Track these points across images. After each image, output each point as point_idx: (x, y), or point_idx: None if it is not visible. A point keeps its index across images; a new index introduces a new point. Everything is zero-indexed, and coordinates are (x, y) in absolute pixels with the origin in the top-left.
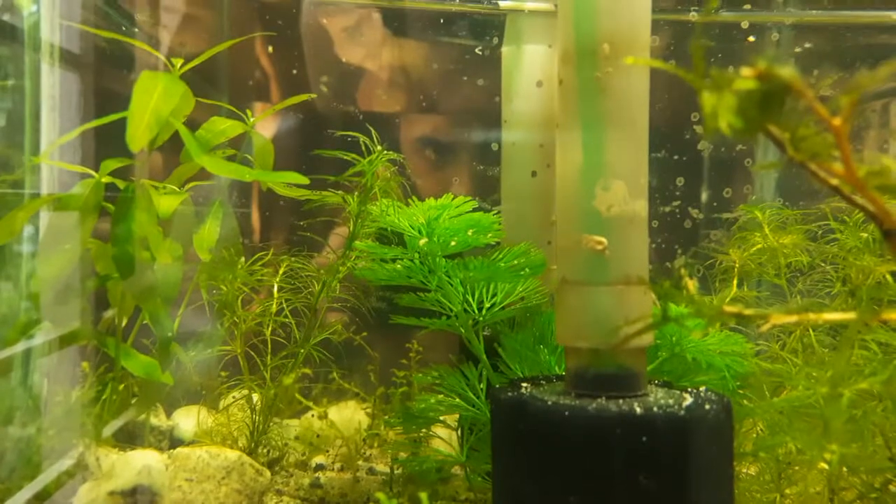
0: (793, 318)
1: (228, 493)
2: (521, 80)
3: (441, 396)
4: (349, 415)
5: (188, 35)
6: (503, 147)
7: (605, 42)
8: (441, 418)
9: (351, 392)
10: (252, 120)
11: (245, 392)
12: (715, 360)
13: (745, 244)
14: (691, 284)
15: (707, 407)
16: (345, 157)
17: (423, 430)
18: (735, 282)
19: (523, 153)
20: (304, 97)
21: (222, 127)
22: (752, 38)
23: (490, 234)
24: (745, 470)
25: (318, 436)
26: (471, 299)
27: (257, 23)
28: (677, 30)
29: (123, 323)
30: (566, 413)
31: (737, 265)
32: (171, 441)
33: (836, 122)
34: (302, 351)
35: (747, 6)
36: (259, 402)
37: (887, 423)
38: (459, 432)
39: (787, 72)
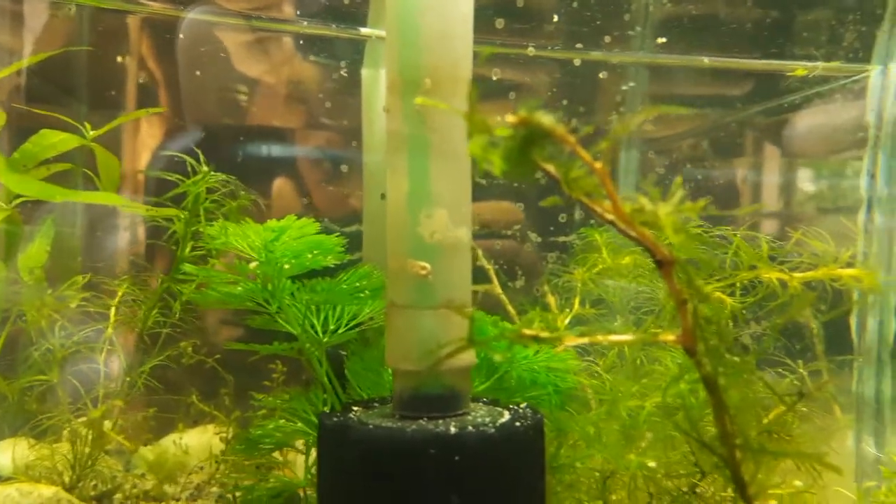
0: (584, 340)
1: None
2: (378, 103)
3: (282, 421)
4: (207, 440)
5: (40, 41)
6: (364, 169)
7: (427, 76)
8: (295, 443)
9: (211, 416)
10: (91, 133)
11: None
12: (540, 377)
13: (587, 264)
14: (552, 301)
15: (518, 423)
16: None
17: (278, 454)
18: (577, 300)
19: (378, 176)
20: (154, 110)
21: (53, 140)
22: (602, 75)
23: (330, 257)
24: (580, 478)
25: (145, 472)
26: (315, 322)
27: (133, 32)
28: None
29: None
30: (384, 436)
31: (579, 285)
32: None
33: (598, 165)
34: (128, 379)
35: (579, 45)
36: (84, 434)
37: (692, 433)
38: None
39: (547, 119)
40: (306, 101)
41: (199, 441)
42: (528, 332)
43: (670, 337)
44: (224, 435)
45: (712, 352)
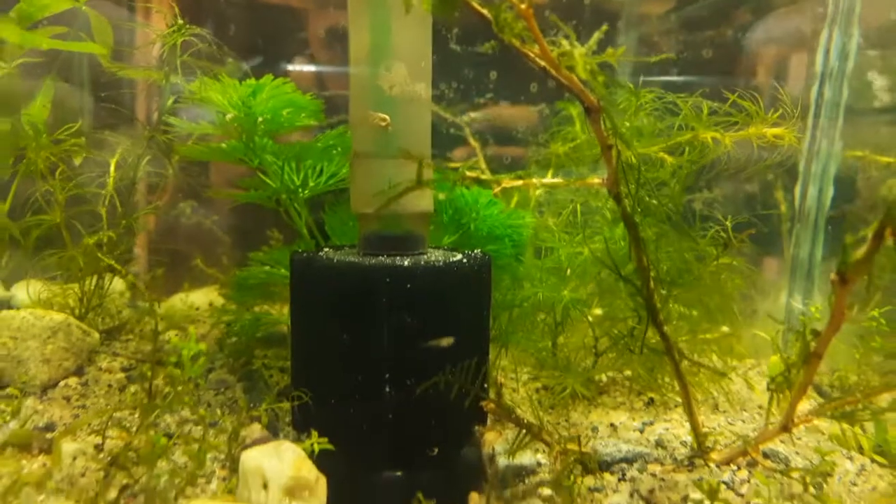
0: (518, 182)
1: (55, 350)
2: None
3: (268, 267)
4: (211, 299)
5: None
6: (350, 31)
7: None
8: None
9: (214, 278)
10: None
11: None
12: (499, 232)
13: (560, 137)
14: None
15: (465, 261)
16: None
17: (269, 307)
18: (551, 172)
19: None
20: None
21: (46, 1)
22: None
23: (304, 115)
24: (534, 323)
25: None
26: (295, 178)
27: None
28: None
29: None
30: (343, 267)
31: (553, 158)
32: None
33: (523, 5)
34: (124, 222)
35: None
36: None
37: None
38: None
39: None
40: None
41: (204, 300)
42: (469, 174)
43: (596, 180)
44: (223, 291)
45: (632, 194)
